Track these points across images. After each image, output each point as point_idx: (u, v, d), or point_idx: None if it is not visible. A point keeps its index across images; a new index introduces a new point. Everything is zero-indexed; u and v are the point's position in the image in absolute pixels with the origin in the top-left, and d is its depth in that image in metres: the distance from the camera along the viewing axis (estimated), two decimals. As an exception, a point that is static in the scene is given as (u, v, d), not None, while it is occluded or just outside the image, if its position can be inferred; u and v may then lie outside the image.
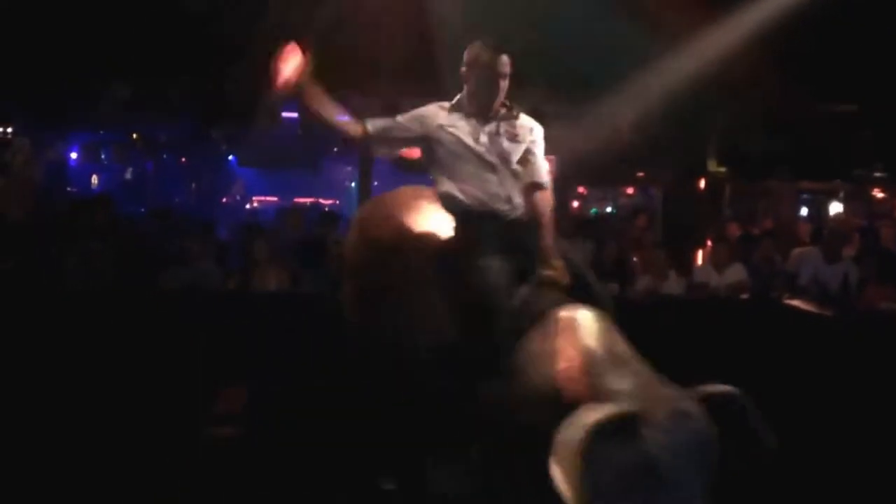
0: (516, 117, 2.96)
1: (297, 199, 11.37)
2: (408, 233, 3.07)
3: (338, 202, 11.44)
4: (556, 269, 2.74)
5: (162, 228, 6.24)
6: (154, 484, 3.62)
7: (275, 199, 11.58)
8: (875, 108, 8.43)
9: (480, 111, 2.91)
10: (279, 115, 7.78)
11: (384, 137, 3.01)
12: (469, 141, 2.89)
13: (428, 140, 2.95)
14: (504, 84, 2.87)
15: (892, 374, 4.17)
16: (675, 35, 6.48)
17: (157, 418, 4.06)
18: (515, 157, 2.92)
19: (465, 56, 2.91)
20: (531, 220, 2.88)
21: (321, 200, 11.60)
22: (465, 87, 2.93)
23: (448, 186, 2.92)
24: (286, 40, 2.88)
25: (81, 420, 4.03)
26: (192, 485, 3.61)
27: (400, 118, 3.00)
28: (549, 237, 2.82)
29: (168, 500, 3.57)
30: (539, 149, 2.98)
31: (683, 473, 2.17)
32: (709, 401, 2.32)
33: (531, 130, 2.97)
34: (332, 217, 6.62)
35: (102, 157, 10.23)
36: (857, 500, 3.73)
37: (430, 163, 2.99)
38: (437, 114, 2.95)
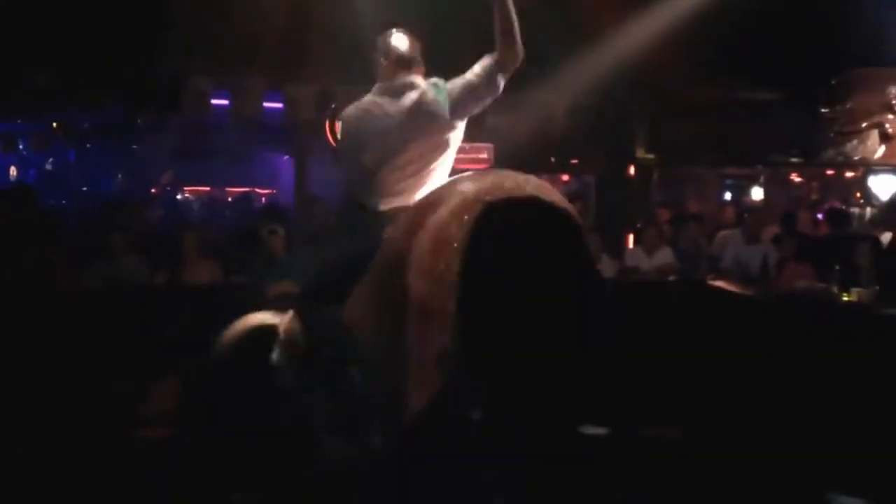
0: None
1: (230, 189, 11.13)
2: None
3: (274, 192, 11.24)
4: None
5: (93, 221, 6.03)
6: (83, 488, 3.53)
7: (206, 188, 11.30)
8: (792, 96, 8.83)
9: None
10: (208, 100, 7.60)
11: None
12: None
13: None
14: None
15: (808, 348, 4.38)
16: (603, 24, 6.62)
17: (85, 420, 3.95)
18: None
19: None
20: None
21: (257, 190, 11.38)
22: None
23: None
24: None
25: (5, 423, 3.88)
26: (122, 488, 3.53)
27: None
28: None
29: (95, 501, 3.50)
30: None
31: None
32: None
33: None
34: (277, 212, 6.47)
35: (20, 147, 9.79)
36: (777, 471, 3.93)
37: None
38: None
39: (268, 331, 2.94)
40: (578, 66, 6.97)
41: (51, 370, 4.13)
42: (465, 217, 2.34)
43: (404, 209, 2.75)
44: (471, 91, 2.80)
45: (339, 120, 2.98)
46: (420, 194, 2.80)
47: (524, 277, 2.29)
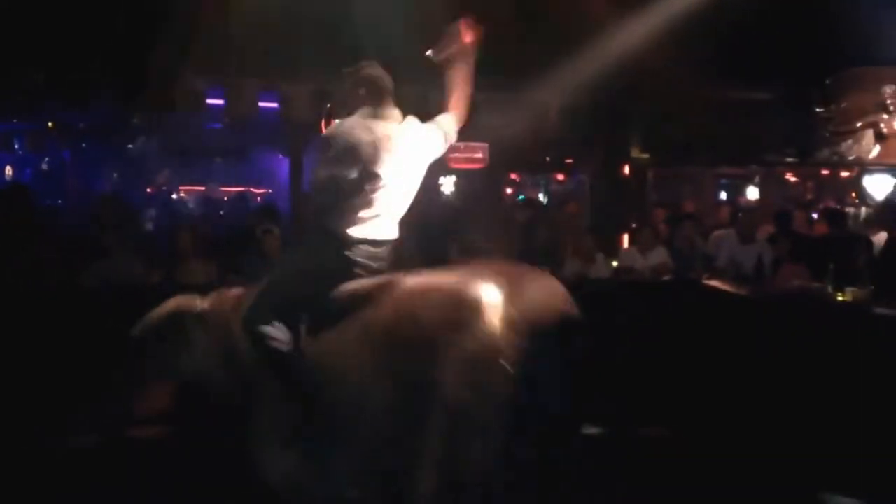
0: None
1: (225, 188, 11.12)
2: None
3: (270, 191, 11.24)
4: None
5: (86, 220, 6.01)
6: (78, 486, 3.53)
7: (202, 188, 11.28)
8: (787, 96, 8.85)
9: None
10: (203, 100, 7.59)
11: None
12: None
13: None
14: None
15: (803, 347, 4.39)
16: (598, 24, 6.63)
17: (79, 419, 3.94)
18: None
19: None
20: None
21: (252, 189, 11.38)
22: None
23: None
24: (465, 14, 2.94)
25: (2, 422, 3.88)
26: (116, 487, 3.53)
27: None
28: None
29: (90, 501, 3.50)
30: None
31: None
32: None
33: None
34: (272, 211, 6.46)
35: (16, 146, 9.76)
36: (769, 468, 3.94)
37: None
38: None
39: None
40: (573, 66, 6.98)
41: (47, 370, 4.12)
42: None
43: (372, 241, 2.86)
44: (436, 145, 3.03)
45: (326, 135, 2.92)
46: (381, 227, 2.90)
47: None
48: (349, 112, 2.95)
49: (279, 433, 2.89)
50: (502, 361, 2.56)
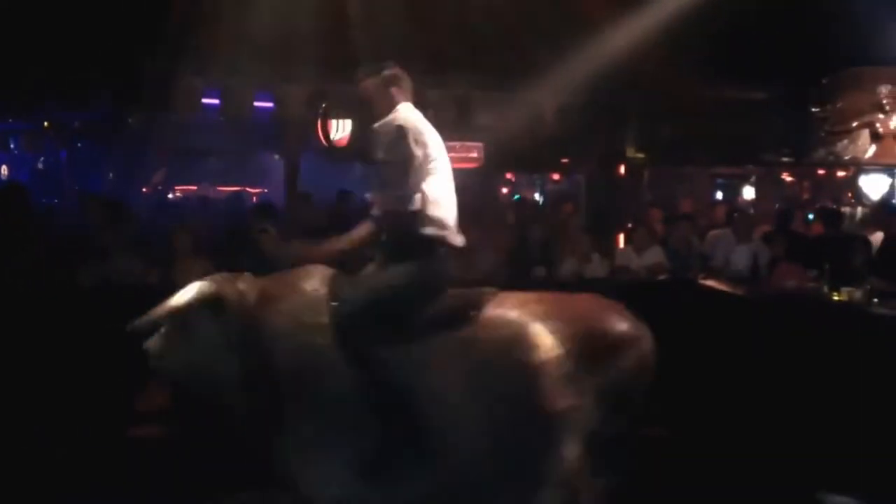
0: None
1: (221, 188, 11.12)
2: None
3: (266, 191, 11.24)
4: None
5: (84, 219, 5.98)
6: (76, 484, 3.52)
7: (197, 188, 11.28)
8: (783, 96, 8.87)
9: None
10: (199, 101, 7.58)
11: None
12: None
13: None
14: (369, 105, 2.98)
15: (799, 347, 4.39)
16: (594, 23, 6.63)
17: (78, 418, 3.94)
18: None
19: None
20: None
21: (248, 189, 11.37)
22: None
23: None
24: None
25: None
26: (114, 485, 3.52)
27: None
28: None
29: (90, 500, 3.48)
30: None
31: None
32: None
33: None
34: (268, 211, 6.45)
35: (12, 146, 9.75)
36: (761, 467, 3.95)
37: None
38: None
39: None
40: (569, 66, 6.98)
41: (44, 369, 4.11)
42: None
43: (451, 245, 2.92)
44: None
45: (404, 126, 2.87)
46: (457, 233, 2.95)
47: None
48: (381, 112, 2.96)
49: (333, 448, 2.75)
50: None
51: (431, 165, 2.90)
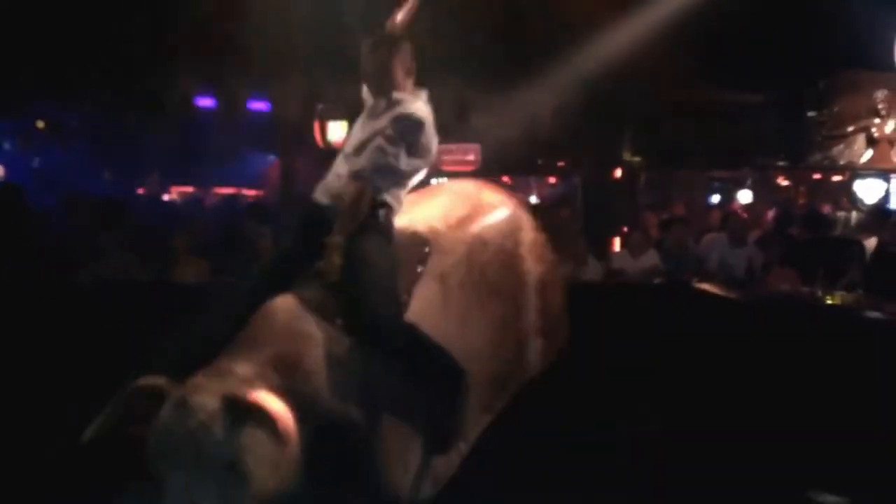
0: (398, 103, 2.78)
1: (216, 189, 11.08)
2: None
3: (261, 192, 11.22)
4: (328, 263, 2.55)
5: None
6: (76, 484, 3.52)
7: (192, 189, 11.25)
8: (778, 99, 8.89)
9: (376, 98, 2.88)
10: (194, 102, 7.60)
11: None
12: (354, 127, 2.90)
13: None
14: (380, 74, 2.79)
15: (791, 349, 4.41)
16: (590, 26, 6.65)
17: (78, 417, 3.93)
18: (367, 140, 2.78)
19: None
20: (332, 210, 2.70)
21: (243, 191, 11.34)
22: None
23: None
24: None
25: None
26: (112, 484, 3.52)
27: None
28: (339, 230, 2.60)
29: (88, 500, 3.48)
30: (388, 135, 2.72)
31: (163, 461, 2.18)
32: None
33: (396, 118, 2.74)
34: (262, 211, 6.47)
35: (7, 146, 9.73)
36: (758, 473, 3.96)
37: None
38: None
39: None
40: (566, 69, 7.00)
41: (41, 368, 4.11)
42: None
43: None
44: None
45: (424, 118, 2.77)
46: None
47: None
48: (389, 86, 2.81)
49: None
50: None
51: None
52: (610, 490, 3.83)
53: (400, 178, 2.79)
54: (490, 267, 2.96)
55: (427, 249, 2.84)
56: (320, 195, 2.81)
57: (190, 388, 2.22)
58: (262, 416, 2.14)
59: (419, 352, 2.59)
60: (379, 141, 2.70)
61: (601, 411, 4.64)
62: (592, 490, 3.84)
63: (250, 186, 11.35)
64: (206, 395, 2.17)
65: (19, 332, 4.15)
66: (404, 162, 2.74)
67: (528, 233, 3.21)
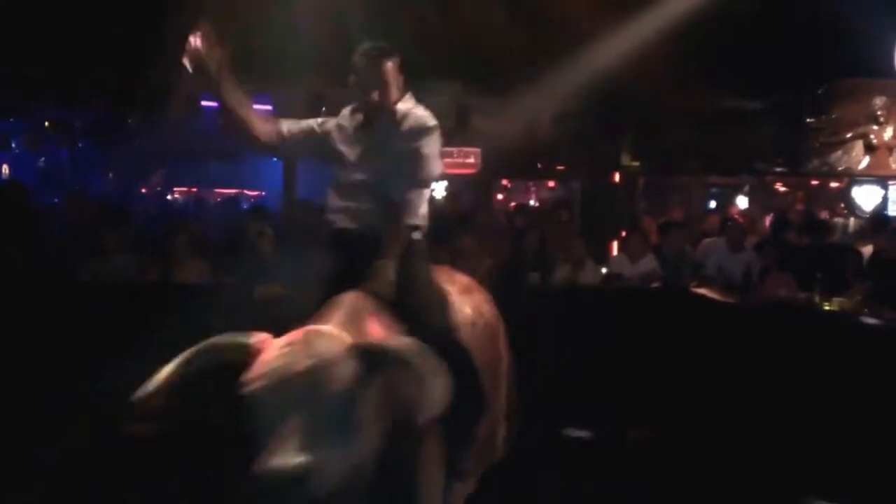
0: (406, 115, 2.78)
1: (219, 190, 11.12)
2: None
3: (264, 193, 11.24)
4: (382, 284, 2.53)
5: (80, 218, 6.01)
6: (73, 483, 3.54)
7: (194, 189, 11.29)
8: (777, 106, 8.92)
9: (367, 112, 2.83)
10: (198, 102, 7.62)
11: (298, 142, 2.87)
12: (345, 143, 2.83)
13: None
14: (382, 86, 2.76)
15: (788, 355, 4.43)
16: (589, 32, 6.68)
17: (76, 416, 3.96)
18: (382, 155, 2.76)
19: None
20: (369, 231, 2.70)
21: (246, 191, 11.37)
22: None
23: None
24: (200, 23, 2.69)
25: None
26: (109, 483, 3.55)
27: (318, 119, 2.92)
28: (388, 253, 2.60)
29: (88, 500, 3.50)
30: (413, 151, 2.73)
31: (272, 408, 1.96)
32: None
33: (414, 132, 2.75)
34: (264, 212, 6.49)
35: (13, 145, 9.75)
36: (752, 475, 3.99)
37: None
38: (343, 113, 2.89)
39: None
40: (566, 74, 7.03)
41: (41, 367, 4.14)
42: None
43: None
44: None
45: (435, 124, 2.76)
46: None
47: None
48: (395, 97, 2.80)
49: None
50: None
51: None
52: (608, 493, 3.86)
53: (425, 189, 2.82)
54: (481, 341, 2.91)
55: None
56: (345, 221, 2.77)
57: (308, 331, 2.12)
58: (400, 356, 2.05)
59: (467, 369, 2.62)
60: (410, 162, 2.71)
61: (597, 415, 4.67)
62: (591, 493, 3.88)
63: (252, 187, 11.39)
64: (326, 339, 2.08)
65: (19, 331, 4.18)
66: (428, 173, 2.77)
67: (500, 320, 3.17)
